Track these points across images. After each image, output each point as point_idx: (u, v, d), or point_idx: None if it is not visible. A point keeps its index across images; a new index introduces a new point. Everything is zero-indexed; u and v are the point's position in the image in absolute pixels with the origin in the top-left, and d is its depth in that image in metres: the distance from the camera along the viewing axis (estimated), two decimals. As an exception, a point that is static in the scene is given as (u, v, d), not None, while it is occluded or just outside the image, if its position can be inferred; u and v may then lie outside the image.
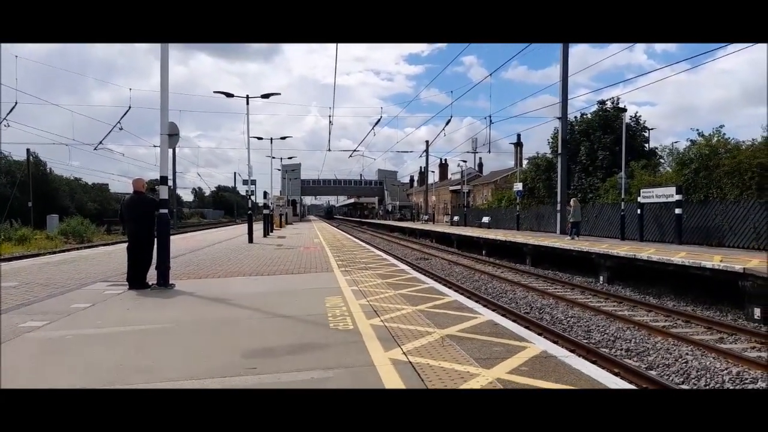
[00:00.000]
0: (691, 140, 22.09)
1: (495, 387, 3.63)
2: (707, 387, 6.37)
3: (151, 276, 8.34)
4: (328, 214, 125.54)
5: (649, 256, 13.06)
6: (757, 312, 9.61)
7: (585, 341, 8.16)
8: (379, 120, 39.91)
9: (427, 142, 57.09)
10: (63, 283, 8.92)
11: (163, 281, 8.21)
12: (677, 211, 18.17)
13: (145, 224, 8.35)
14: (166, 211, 8.50)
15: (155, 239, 8.34)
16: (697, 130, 22.03)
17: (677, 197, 18.12)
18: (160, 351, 4.76)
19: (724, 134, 21.23)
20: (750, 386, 6.35)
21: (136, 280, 8.19)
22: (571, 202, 21.78)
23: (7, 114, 24.68)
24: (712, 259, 11.66)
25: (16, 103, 25.05)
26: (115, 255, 13.88)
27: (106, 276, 9.78)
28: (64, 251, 20.44)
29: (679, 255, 12.71)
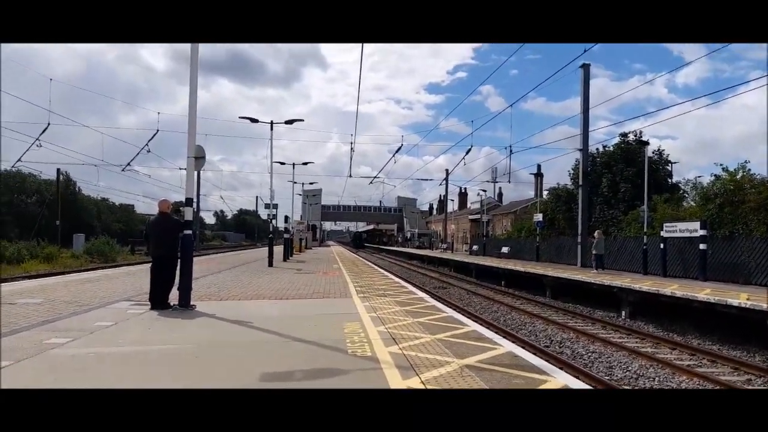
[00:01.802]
0: (715, 175, 21.74)
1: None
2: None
3: (173, 297, 8.44)
4: (357, 242, 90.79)
5: (672, 291, 12.79)
6: (787, 353, 9.31)
7: (607, 378, 7.97)
8: (400, 148, 40.21)
9: (446, 170, 57.22)
10: (87, 301, 9.08)
11: (185, 302, 8.30)
12: (702, 246, 17.74)
13: (169, 245, 8.47)
14: (190, 232, 8.63)
15: (178, 260, 8.47)
16: (722, 165, 21.68)
17: (702, 232, 17.72)
18: (179, 371, 4.80)
19: (749, 169, 20.89)
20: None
21: (158, 300, 8.29)
22: (596, 234, 21.51)
23: (40, 135, 25.49)
24: (739, 296, 11.35)
25: (48, 124, 25.80)
26: (139, 275, 14.10)
27: (129, 295, 9.93)
28: (88, 270, 20.82)
29: (704, 292, 12.42)
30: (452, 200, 69.67)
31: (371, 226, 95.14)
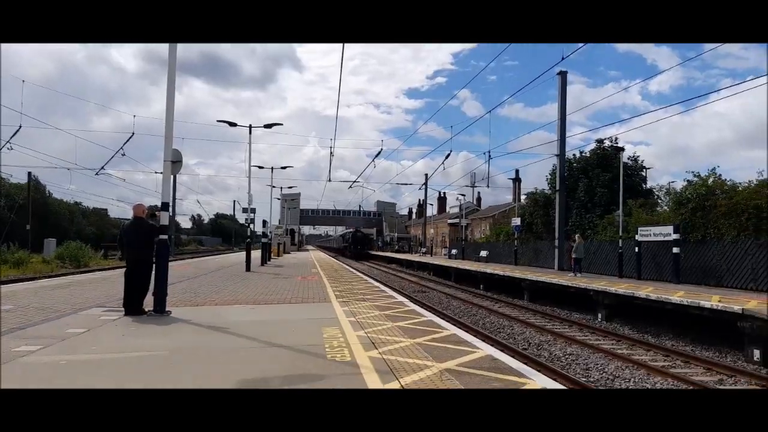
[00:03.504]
0: (687, 180, 22.32)
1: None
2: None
3: (148, 302, 8.28)
4: (356, 247, 66.47)
5: (647, 294, 13.02)
6: (757, 354, 9.54)
7: (584, 379, 8.07)
8: (379, 152, 40.04)
9: (426, 175, 57.32)
10: (58, 307, 8.85)
11: (160, 308, 8.15)
12: (675, 250, 18.14)
13: (144, 250, 8.33)
14: (166, 237, 8.50)
15: (153, 265, 8.32)
16: (693, 172, 22.40)
17: (675, 236, 18.12)
18: (154, 378, 4.70)
19: (720, 175, 21.46)
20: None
21: (132, 306, 8.12)
22: (576, 238, 21.82)
23: (11, 137, 24.82)
24: (711, 299, 11.62)
25: (20, 126, 25.18)
26: (112, 280, 13.80)
27: (102, 301, 9.71)
28: (60, 275, 20.31)
29: (678, 294, 12.67)
30: (431, 204, 69.97)
31: (350, 231, 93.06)
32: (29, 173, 40.80)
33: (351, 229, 79.27)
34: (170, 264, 9.64)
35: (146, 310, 8.17)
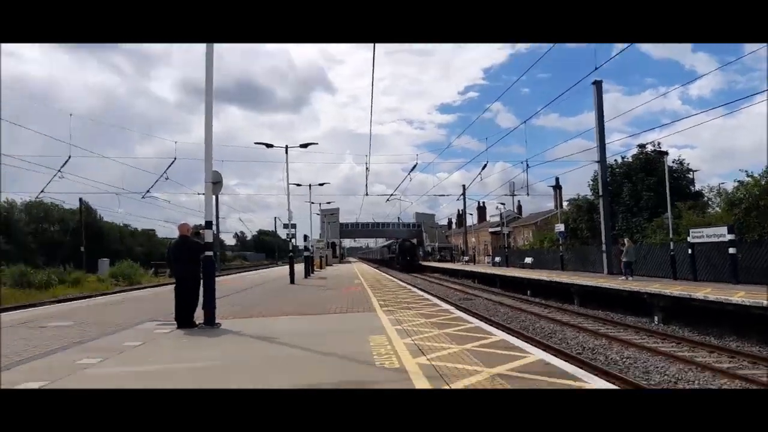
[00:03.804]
0: (739, 181, 21.55)
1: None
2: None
3: (198, 316, 8.47)
4: (403, 258, 57.99)
5: (705, 295, 12.45)
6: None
7: (644, 383, 7.73)
8: (415, 166, 40.15)
9: (464, 186, 56.97)
10: (115, 322, 9.16)
11: (210, 320, 8.33)
12: (731, 250, 17.49)
13: (191, 266, 8.54)
14: (211, 253, 8.73)
15: (201, 280, 8.53)
16: (746, 171, 21.46)
17: (730, 237, 17.50)
18: (208, 386, 4.77)
19: (773, 174, 20.57)
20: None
21: (183, 319, 8.33)
22: (626, 242, 21.35)
23: (62, 167, 26.14)
24: (774, 298, 10.99)
25: (69, 156, 26.51)
26: (163, 296, 14.21)
27: (155, 316, 9.99)
28: (114, 293, 21.10)
29: (738, 294, 12.06)
30: (471, 214, 69.38)
31: (390, 242, 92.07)
32: (80, 199, 42.75)
33: (396, 240, 70.00)
34: (217, 279, 9.88)
35: (197, 323, 8.36)
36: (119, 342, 7.06)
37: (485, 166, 35.99)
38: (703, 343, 10.89)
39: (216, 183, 9.50)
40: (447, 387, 4.48)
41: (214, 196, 10.21)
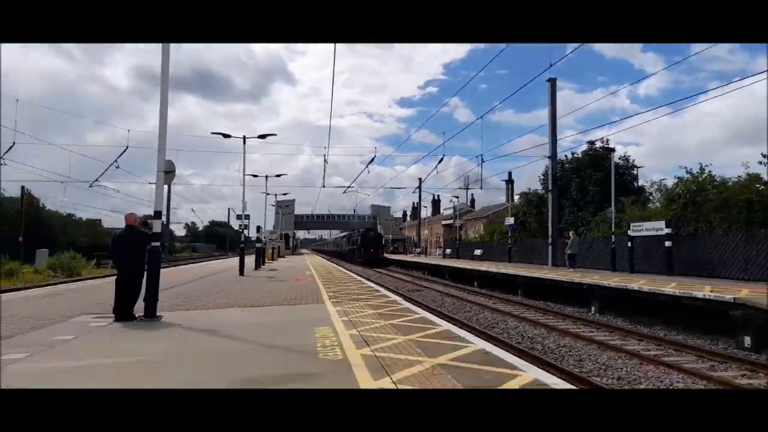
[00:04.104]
0: (678, 177, 22.71)
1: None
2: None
3: (139, 309, 8.22)
4: (370, 249, 48.89)
5: (640, 287, 13.08)
6: (748, 340, 9.61)
7: (576, 370, 8.08)
8: (373, 158, 40.09)
9: (420, 179, 57.48)
10: (48, 315, 8.76)
11: (151, 313, 8.10)
12: (667, 243, 18.43)
13: (136, 257, 8.29)
14: (158, 244, 8.50)
15: (145, 272, 8.29)
16: (685, 167, 22.71)
17: (667, 230, 18.42)
18: (143, 382, 4.66)
19: (710, 171, 21.78)
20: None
21: (122, 312, 8.06)
22: (571, 235, 22.13)
23: (4, 153, 24.87)
24: (703, 289, 11.68)
25: (13, 143, 25.33)
26: (104, 288, 13.69)
27: (92, 309, 9.61)
28: (51, 284, 20.15)
29: (670, 285, 12.74)
30: (425, 207, 70.14)
31: (345, 233, 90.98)
32: (22, 187, 40.68)
33: (357, 230, 60.75)
34: (163, 270, 9.61)
35: (136, 315, 8.12)
36: (50, 336, 6.76)
37: (441, 159, 36.49)
38: (633, 331, 11.46)
39: (168, 172, 9.25)
40: (389, 382, 4.55)
41: (165, 186, 9.94)
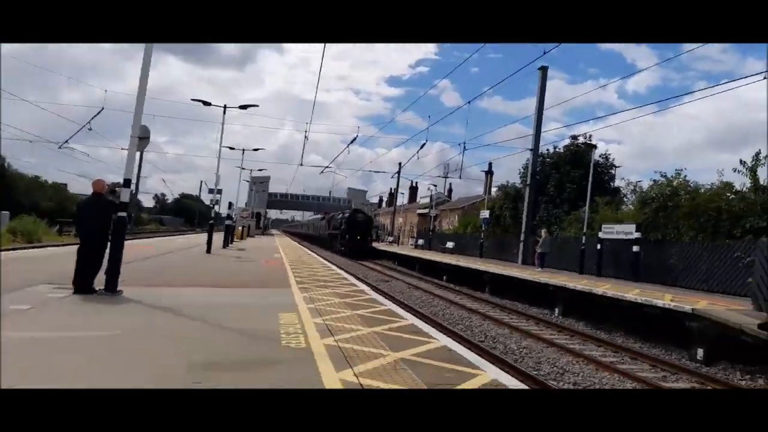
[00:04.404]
0: (654, 180, 22.72)
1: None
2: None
3: (99, 281, 8.01)
4: (357, 236, 40.41)
5: (604, 291, 13.33)
6: (701, 352, 9.87)
7: (534, 373, 8.22)
8: (355, 138, 39.32)
9: (399, 164, 57.08)
10: (3, 283, 8.46)
11: (112, 287, 7.88)
12: (635, 248, 18.45)
13: (100, 227, 8.04)
14: (124, 214, 8.26)
15: (108, 243, 8.06)
16: (660, 172, 22.68)
17: (636, 235, 18.44)
18: (99, 357, 4.54)
19: (686, 176, 21.91)
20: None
21: (82, 284, 7.83)
22: (542, 233, 22.06)
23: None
24: (664, 297, 11.95)
25: (-17, 98, 24.22)
26: (65, 257, 13.30)
27: (51, 278, 9.32)
28: (9, 249, 19.50)
29: (633, 292, 13.00)
30: (403, 194, 70.01)
31: (319, 216, 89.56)
32: (-16, 144, 39.11)
33: (342, 211, 52.06)
34: (127, 243, 9.36)
35: (96, 288, 7.90)
36: (4, 305, 6.53)
37: (423, 145, 36.34)
38: (594, 337, 11.69)
39: (143, 138, 8.99)
40: (351, 374, 4.52)
41: (138, 153, 9.66)
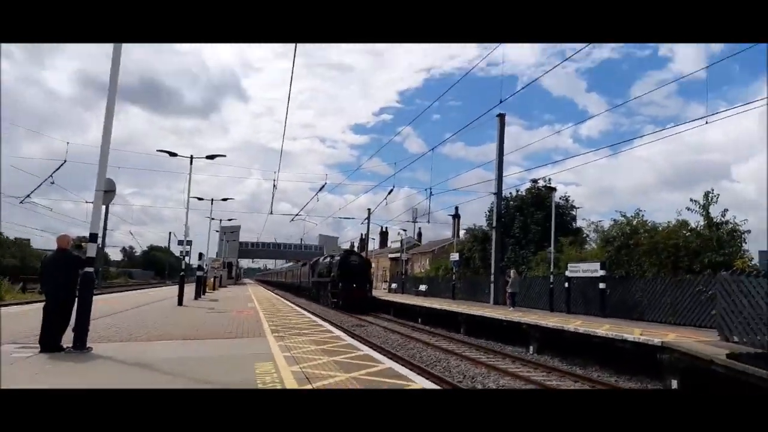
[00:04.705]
0: (614, 219, 23.72)
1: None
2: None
3: (68, 339, 7.79)
4: (352, 284, 31.01)
5: (576, 328, 13.55)
6: (675, 383, 10.09)
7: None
8: (323, 186, 39.41)
9: (369, 209, 57.42)
10: (-35, 344, 8.14)
11: (80, 344, 7.67)
12: (601, 285, 19.03)
13: (66, 283, 7.87)
14: (92, 270, 8.10)
15: (76, 299, 7.88)
16: (621, 212, 23.78)
17: (601, 272, 19.07)
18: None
19: (643, 215, 22.98)
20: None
21: (49, 342, 7.60)
22: (511, 274, 22.53)
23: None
24: (633, 332, 12.22)
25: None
26: (30, 315, 12.87)
27: (16, 337, 9.02)
28: (-32, 310, 18.68)
29: (604, 327, 13.26)
30: (374, 239, 70.25)
31: (288, 264, 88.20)
32: (-60, 201, 37.78)
33: (329, 255, 43.12)
34: (96, 298, 9.17)
35: (64, 347, 7.67)
36: (-33, 368, 6.29)
37: (391, 191, 36.96)
38: (569, 372, 11.82)
39: (108, 192, 8.85)
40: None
41: (104, 206, 9.51)
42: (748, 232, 18.66)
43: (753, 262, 17.35)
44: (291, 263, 79.84)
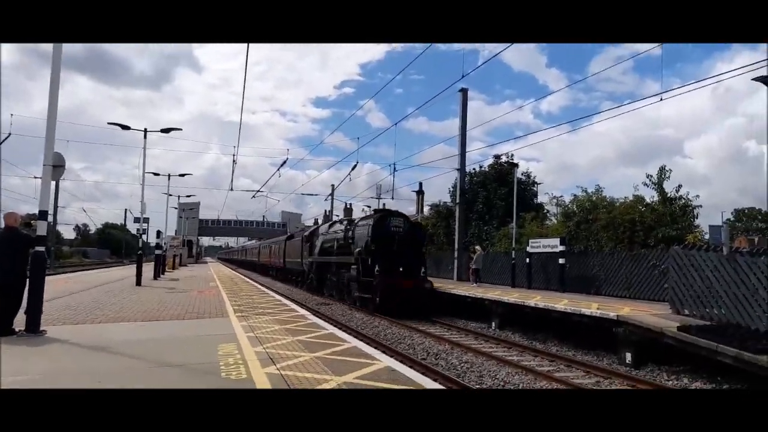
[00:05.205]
0: (574, 195, 24.27)
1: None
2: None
3: (20, 322, 7.48)
4: (398, 266, 17.73)
5: (536, 303, 13.89)
6: (629, 356, 10.49)
7: (478, 386, 8.42)
8: (285, 161, 38.62)
9: (332, 186, 57.27)
10: None
11: (33, 327, 7.40)
12: (561, 260, 19.45)
13: (16, 264, 7.52)
14: (43, 249, 7.78)
15: (27, 280, 7.55)
16: (582, 187, 24.31)
17: (561, 248, 19.46)
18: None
19: (603, 191, 23.59)
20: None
21: (0, 326, 7.29)
22: (476, 249, 22.76)
23: None
24: (590, 306, 12.60)
25: None
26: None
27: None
28: None
29: (562, 302, 13.63)
30: (337, 215, 69.93)
31: (254, 241, 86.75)
32: None
33: (253, 241, 33.55)
34: (49, 278, 8.83)
35: (17, 330, 7.37)
36: None
37: (355, 166, 36.55)
38: (530, 347, 12.15)
39: (57, 167, 8.46)
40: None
41: (53, 182, 9.11)
42: (700, 206, 19.45)
43: (705, 236, 18.12)
44: (262, 239, 69.72)
